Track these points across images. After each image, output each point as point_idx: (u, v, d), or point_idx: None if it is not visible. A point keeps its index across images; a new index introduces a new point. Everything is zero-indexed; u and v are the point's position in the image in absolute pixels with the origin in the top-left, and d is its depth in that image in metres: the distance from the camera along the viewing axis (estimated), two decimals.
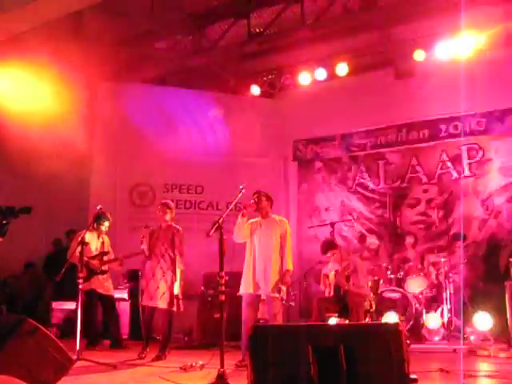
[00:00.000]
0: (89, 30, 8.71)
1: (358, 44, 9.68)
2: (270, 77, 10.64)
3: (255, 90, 10.51)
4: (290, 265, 6.26)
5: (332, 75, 9.93)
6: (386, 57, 9.78)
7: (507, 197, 8.91)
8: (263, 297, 6.32)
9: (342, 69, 9.77)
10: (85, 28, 8.71)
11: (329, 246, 7.56)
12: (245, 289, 6.22)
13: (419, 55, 9.26)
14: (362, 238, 9.89)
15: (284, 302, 6.16)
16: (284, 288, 6.14)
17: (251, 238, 6.31)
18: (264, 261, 6.20)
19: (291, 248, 6.43)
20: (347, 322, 6.96)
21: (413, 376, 3.60)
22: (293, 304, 7.07)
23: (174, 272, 6.81)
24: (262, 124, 10.07)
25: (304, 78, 10.13)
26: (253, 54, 9.95)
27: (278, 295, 6.08)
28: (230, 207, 5.59)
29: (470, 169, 9.30)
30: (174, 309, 6.81)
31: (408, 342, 3.65)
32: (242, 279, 6.29)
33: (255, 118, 10.10)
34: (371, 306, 7.34)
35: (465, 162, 9.34)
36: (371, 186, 10.07)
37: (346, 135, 10.39)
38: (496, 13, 8.62)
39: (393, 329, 3.60)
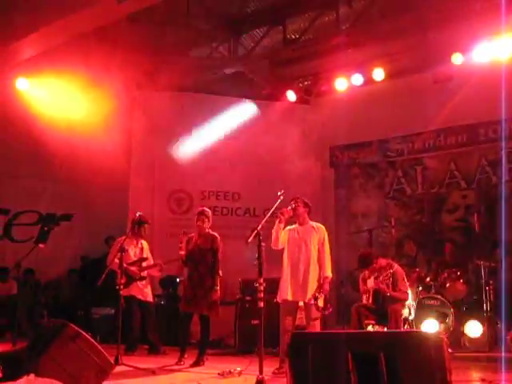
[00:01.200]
0: (125, 40, 8.84)
1: (394, 48, 9.58)
2: (306, 83, 10.65)
3: (291, 96, 10.49)
4: (328, 272, 6.23)
5: (368, 80, 9.86)
6: (423, 61, 9.65)
7: None
8: (301, 304, 6.30)
9: (379, 74, 9.68)
10: (121, 38, 8.85)
11: (365, 262, 7.49)
12: (283, 296, 6.22)
13: (457, 59, 9.13)
14: (399, 245, 9.77)
15: (323, 310, 6.12)
16: (322, 296, 6.11)
17: (288, 244, 6.31)
18: (302, 268, 6.19)
19: (329, 255, 6.39)
20: (386, 329, 6.89)
21: None
22: (330, 311, 7.00)
23: (212, 278, 6.83)
24: (299, 130, 10.04)
25: (340, 84, 10.07)
26: (288, 60, 9.97)
27: (315, 302, 6.06)
28: (269, 214, 5.60)
29: (510, 173, 9.12)
30: (212, 315, 6.84)
31: (450, 350, 3.58)
32: (280, 286, 6.29)
33: (291, 124, 10.08)
34: (410, 314, 7.25)
35: (504, 166, 9.16)
36: (409, 191, 9.97)
37: (383, 140, 10.32)
38: None
39: (434, 337, 3.55)
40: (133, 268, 7.77)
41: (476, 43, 8.95)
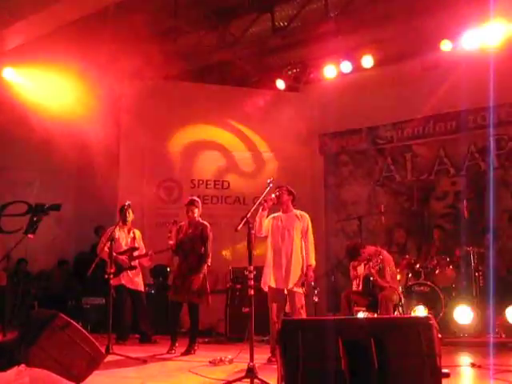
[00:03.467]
0: (112, 29, 8.76)
1: (383, 36, 9.52)
2: (294, 71, 10.60)
3: (280, 84, 10.46)
4: (312, 260, 6.24)
5: (358, 68, 9.83)
6: (411, 48, 9.63)
7: None
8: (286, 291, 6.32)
9: (368, 61, 9.66)
10: (109, 26, 8.77)
11: (352, 254, 7.52)
12: (267, 283, 6.23)
13: (446, 45, 9.12)
14: (389, 232, 9.81)
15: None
16: (305, 283, 6.13)
17: (272, 232, 6.31)
18: (284, 256, 6.20)
19: (314, 243, 6.37)
20: (376, 315, 6.93)
21: (445, 370, 3.56)
22: (316, 300, 7.03)
23: (202, 267, 6.84)
24: (288, 118, 10.01)
25: (329, 71, 10.05)
26: (277, 48, 9.90)
27: (299, 290, 6.08)
28: (258, 202, 5.59)
29: (498, 160, 9.16)
30: (202, 303, 6.86)
31: (440, 336, 3.60)
32: (263, 273, 6.30)
33: (281, 112, 10.06)
34: (400, 300, 7.29)
35: (493, 153, 9.20)
36: (398, 178, 10.01)
37: (373, 128, 10.32)
38: None
39: (424, 322, 3.56)
40: (122, 257, 7.75)
41: (464, 30, 8.93)
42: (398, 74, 9.71)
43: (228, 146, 10.28)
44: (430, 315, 3.90)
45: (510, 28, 8.60)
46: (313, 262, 6.23)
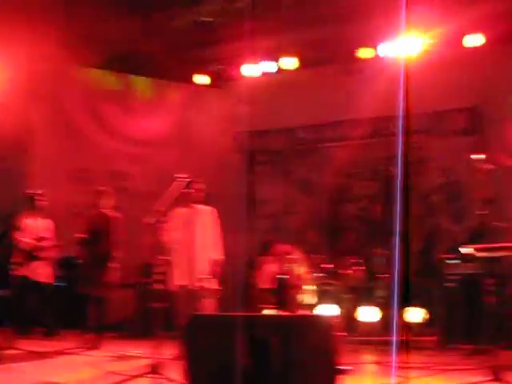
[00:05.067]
0: (34, 11, 8.43)
1: (308, 38, 9.70)
2: (218, 67, 10.57)
3: (202, 79, 10.44)
4: (219, 255, 6.23)
5: (281, 68, 9.95)
6: (334, 53, 9.84)
7: (443, 195, 9.17)
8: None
9: (291, 62, 9.80)
10: (30, 8, 8.43)
11: (265, 250, 7.60)
12: (173, 278, 6.17)
13: (366, 53, 9.38)
14: (302, 232, 9.97)
15: (214, 293, 6.13)
16: (212, 278, 6.13)
17: (179, 226, 6.22)
18: (191, 250, 6.14)
19: (223, 238, 6.35)
20: (285, 313, 7.02)
21: (345, 367, 3.66)
22: (222, 295, 7.03)
23: (110, 260, 6.73)
24: (208, 114, 10.01)
25: (252, 70, 10.09)
26: (200, 42, 9.85)
27: (207, 285, 6.08)
28: (168, 195, 5.54)
29: (409, 167, 9.49)
30: (108, 296, 6.76)
31: (343, 333, 3.70)
32: (170, 269, 6.23)
33: (201, 107, 10.03)
34: (309, 299, 7.42)
35: (402, 160, 9.51)
36: (314, 180, 10.19)
37: (292, 129, 10.47)
38: (440, 15, 8.82)
39: (324, 321, 3.65)
40: (29, 246, 7.44)
41: (385, 39, 9.22)
42: (319, 77, 9.88)
43: (145, 138, 10.13)
44: (334, 314, 4.00)
45: (425, 41, 8.96)
46: (220, 257, 6.23)
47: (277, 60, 9.92)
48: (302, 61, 9.85)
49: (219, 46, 10.05)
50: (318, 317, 4.24)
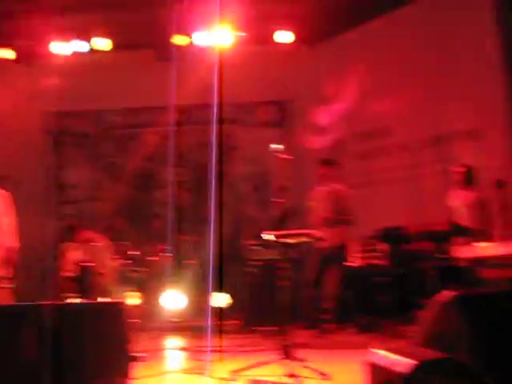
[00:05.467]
0: None
1: (120, 21, 9.43)
2: (23, 42, 9.85)
3: (6, 53, 9.67)
4: (13, 242, 5.89)
5: (93, 49, 9.57)
6: (149, 38, 9.70)
7: (251, 184, 9.55)
8: None
9: (103, 44, 9.47)
10: None
11: (68, 234, 7.31)
12: None
13: (179, 40, 9.37)
14: (110, 218, 9.74)
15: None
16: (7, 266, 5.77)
17: None
18: None
19: (15, 223, 5.99)
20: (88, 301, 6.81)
21: (138, 355, 3.64)
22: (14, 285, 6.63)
23: None
24: (12, 90, 9.30)
25: (62, 48, 9.58)
26: (4, 13, 9.12)
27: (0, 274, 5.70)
28: None
29: (219, 155, 9.72)
30: None
31: (138, 320, 3.66)
32: None
33: (3, 83, 9.30)
34: (113, 286, 7.28)
35: (215, 148, 9.73)
36: (123, 165, 10.02)
37: (101, 111, 10.15)
38: (252, 10, 9.11)
39: (115, 307, 3.59)
40: None
41: (199, 27, 9.28)
42: (132, 61, 9.70)
43: None
44: (131, 301, 3.95)
45: (238, 34, 9.20)
46: (15, 244, 5.87)
47: (89, 40, 9.52)
48: (115, 43, 9.56)
49: (26, 20, 9.37)
50: (109, 303, 4.14)
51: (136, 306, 7.35)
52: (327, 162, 7.26)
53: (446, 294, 3.23)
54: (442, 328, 3.23)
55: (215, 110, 9.56)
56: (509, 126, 7.62)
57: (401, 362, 2.77)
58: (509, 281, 5.06)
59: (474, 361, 3.11)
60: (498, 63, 7.65)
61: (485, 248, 5.85)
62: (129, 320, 3.48)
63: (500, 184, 5.12)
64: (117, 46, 9.62)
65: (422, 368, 2.60)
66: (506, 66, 7.69)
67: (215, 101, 9.28)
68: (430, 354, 2.95)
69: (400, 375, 2.67)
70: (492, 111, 7.72)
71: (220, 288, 7.72)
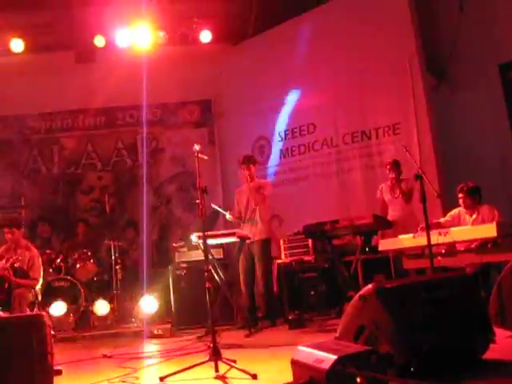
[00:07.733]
0: None
1: (37, 21, 9.12)
2: None
3: None
4: None
5: (7, 51, 9.18)
6: (66, 39, 9.41)
7: (177, 185, 9.48)
8: None
9: (18, 45, 9.10)
10: None
11: None
12: None
13: (99, 41, 9.15)
14: (32, 226, 9.41)
15: None
16: None
17: None
18: None
19: None
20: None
21: (58, 367, 3.51)
22: None
23: None
24: None
25: None
26: None
27: None
28: None
29: (144, 157, 9.62)
30: None
31: (53, 333, 3.52)
32: None
33: None
34: (37, 297, 7.01)
35: (140, 150, 9.64)
36: (44, 171, 9.74)
37: (19, 116, 9.76)
38: (175, 11, 9.03)
39: (36, 321, 3.43)
40: None
41: (119, 28, 9.07)
42: (50, 63, 9.38)
43: None
44: (54, 312, 3.79)
45: (161, 34, 9.06)
46: None
47: (3, 41, 9.13)
48: (30, 44, 9.20)
49: None
50: (29, 317, 3.96)
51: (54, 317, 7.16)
52: (250, 161, 7.26)
53: (366, 287, 3.28)
54: (363, 321, 3.27)
55: (144, 111, 9.48)
56: (424, 122, 7.88)
57: (322, 358, 2.78)
58: (431, 270, 5.20)
59: (396, 350, 3.17)
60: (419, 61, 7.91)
61: (407, 239, 6.02)
62: (52, 332, 3.34)
63: (418, 176, 5.26)
64: (33, 48, 9.28)
65: (342, 362, 2.62)
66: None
67: (144, 102, 9.20)
68: (352, 347, 2.98)
69: (321, 371, 2.68)
70: (412, 108, 7.96)
71: (149, 292, 7.61)
